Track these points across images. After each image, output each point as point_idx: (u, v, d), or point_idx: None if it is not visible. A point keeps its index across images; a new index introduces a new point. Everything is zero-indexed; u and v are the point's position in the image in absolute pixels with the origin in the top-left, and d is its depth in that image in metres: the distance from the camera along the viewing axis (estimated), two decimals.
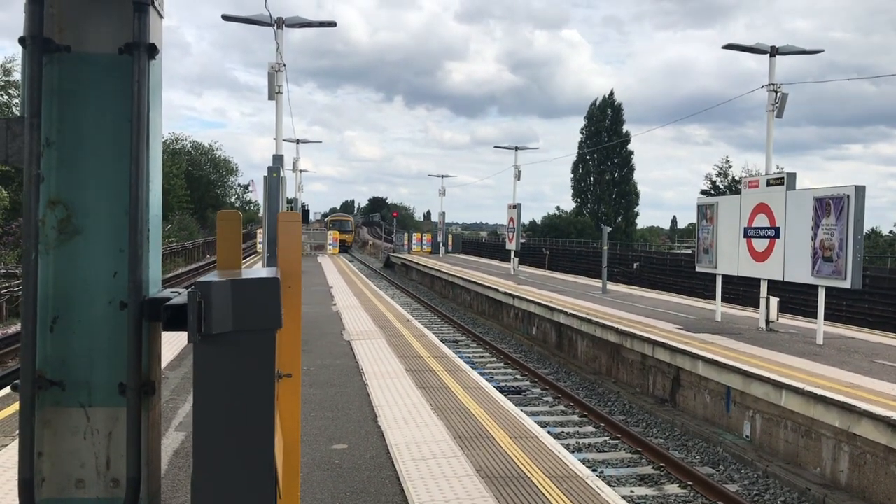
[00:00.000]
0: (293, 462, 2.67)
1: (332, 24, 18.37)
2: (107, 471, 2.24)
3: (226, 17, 16.56)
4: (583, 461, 9.81)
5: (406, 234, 62.47)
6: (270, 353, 2.01)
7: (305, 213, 42.94)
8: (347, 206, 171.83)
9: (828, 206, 13.85)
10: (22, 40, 2.14)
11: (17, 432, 2.19)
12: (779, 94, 16.92)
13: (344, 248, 71.46)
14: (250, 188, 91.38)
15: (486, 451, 7.75)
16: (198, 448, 1.96)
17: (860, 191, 13.39)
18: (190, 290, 1.93)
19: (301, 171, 54.27)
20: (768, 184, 15.88)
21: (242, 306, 1.96)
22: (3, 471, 6.65)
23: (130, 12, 2.18)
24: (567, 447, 11.22)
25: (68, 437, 2.23)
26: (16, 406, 9.00)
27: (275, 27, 16.08)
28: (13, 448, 7.26)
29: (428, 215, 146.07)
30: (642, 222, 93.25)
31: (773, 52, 17.29)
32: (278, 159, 15.92)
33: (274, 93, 16.54)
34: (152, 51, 2.22)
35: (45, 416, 2.21)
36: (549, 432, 9.72)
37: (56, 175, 2.21)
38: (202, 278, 2.00)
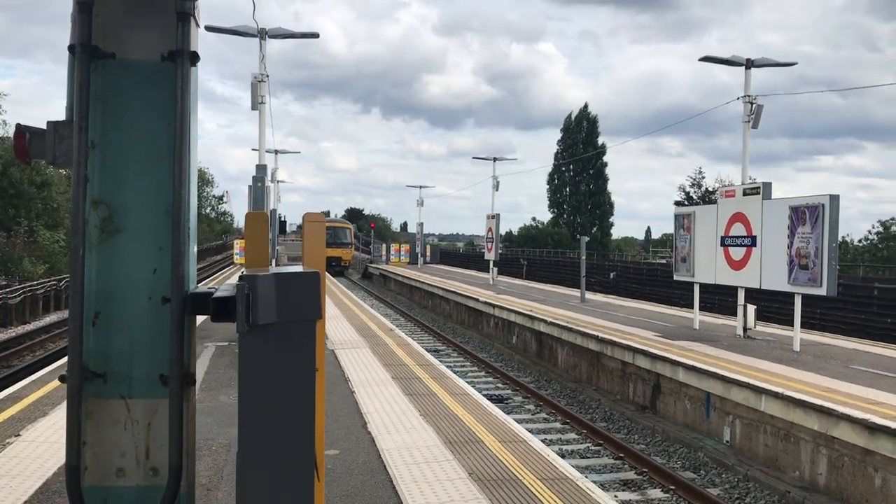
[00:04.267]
0: (319, 447, 2.78)
1: (315, 36, 18.51)
2: (146, 460, 2.34)
3: (209, 28, 16.59)
4: None
5: (384, 245, 62.47)
6: (311, 342, 2.13)
7: (283, 223, 42.75)
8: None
9: (803, 214, 14.18)
10: (71, 48, 2.26)
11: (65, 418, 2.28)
12: (754, 106, 17.30)
13: (337, 268, 55.49)
14: (224, 199, 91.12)
15: (476, 455, 7.86)
16: (243, 432, 2.08)
17: (835, 200, 13.74)
18: (238, 283, 2.05)
19: (278, 181, 54.02)
20: (744, 193, 16.21)
21: (286, 298, 2.08)
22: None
23: (172, 21, 2.31)
24: None
25: (110, 427, 2.33)
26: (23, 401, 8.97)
27: (259, 38, 16.19)
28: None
29: (405, 226, 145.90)
30: (617, 233, 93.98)
31: (749, 64, 17.67)
32: (262, 169, 15.98)
33: (257, 103, 16.61)
34: (194, 58, 2.34)
35: (88, 407, 2.31)
36: None
37: (99, 176, 2.32)
38: (247, 272, 2.12)
